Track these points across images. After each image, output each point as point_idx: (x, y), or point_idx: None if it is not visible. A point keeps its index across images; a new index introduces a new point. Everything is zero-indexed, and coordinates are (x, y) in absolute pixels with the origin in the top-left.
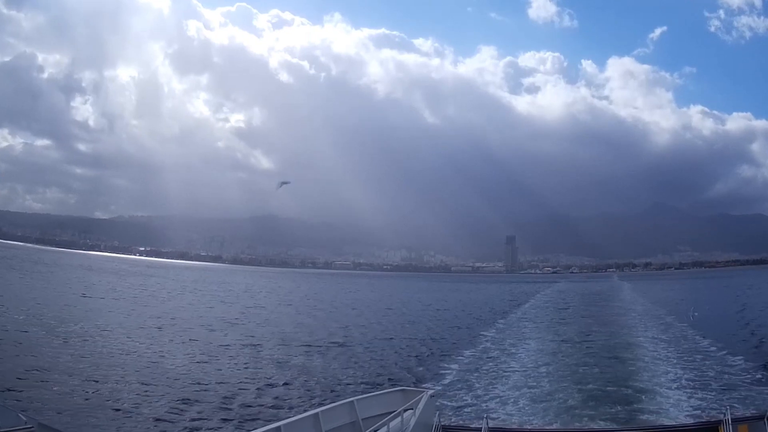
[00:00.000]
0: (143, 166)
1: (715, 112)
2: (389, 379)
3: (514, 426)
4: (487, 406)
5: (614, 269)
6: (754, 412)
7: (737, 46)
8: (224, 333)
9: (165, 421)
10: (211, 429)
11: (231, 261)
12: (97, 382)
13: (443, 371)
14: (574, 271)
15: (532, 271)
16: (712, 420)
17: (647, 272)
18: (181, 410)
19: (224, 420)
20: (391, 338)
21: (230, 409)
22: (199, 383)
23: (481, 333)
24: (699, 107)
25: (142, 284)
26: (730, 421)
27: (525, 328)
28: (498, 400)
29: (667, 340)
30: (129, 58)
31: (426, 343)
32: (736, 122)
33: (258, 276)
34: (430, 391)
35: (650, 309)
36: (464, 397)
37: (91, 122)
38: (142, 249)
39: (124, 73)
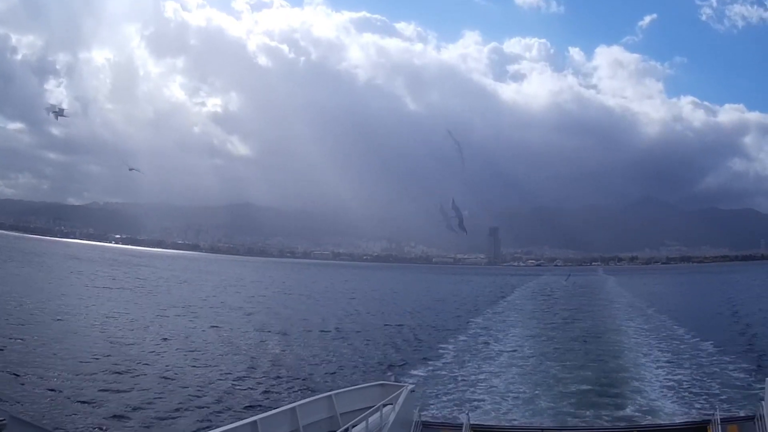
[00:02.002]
0: (117, 152)
1: (706, 103)
2: (366, 372)
3: (496, 423)
4: (468, 402)
5: (599, 263)
6: (744, 412)
7: (729, 35)
8: (222, 321)
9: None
10: (185, 423)
11: (208, 250)
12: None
13: (423, 366)
14: (559, 264)
15: (515, 264)
16: (701, 420)
17: (633, 266)
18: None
19: (199, 413)
20: (370, 330)
21: (202, 404)
22: (199, 372)
23: (462, 328)
24: (690, 98)
25: (137, 274)
26: (719, 421)
27: (507, 323)
28: (479, 396)
29: (654, 336)
30: (104, 40)
31: (406, 337)
32: (728, 114)
33: (241, 266)
34: (410, 386)
35: (636, 304)
36: (445, 393)
37: (65, 106)
38: (118, 236)
39: (99, 56)
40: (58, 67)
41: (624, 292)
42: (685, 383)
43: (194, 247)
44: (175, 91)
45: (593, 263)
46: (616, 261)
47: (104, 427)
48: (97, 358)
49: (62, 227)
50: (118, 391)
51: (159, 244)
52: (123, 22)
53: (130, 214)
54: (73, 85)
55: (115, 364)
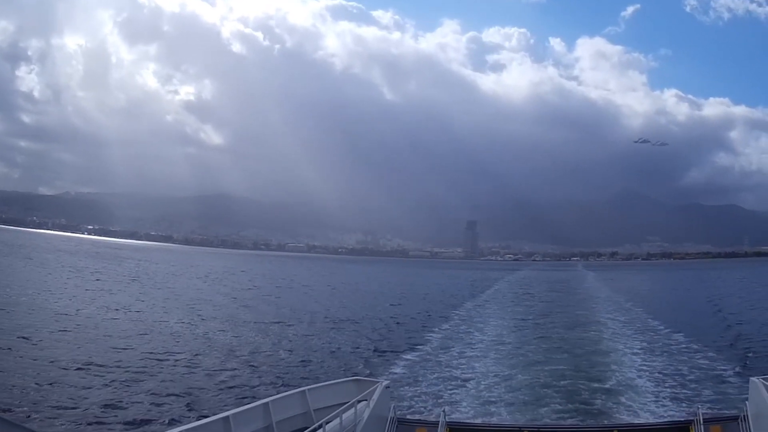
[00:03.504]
0: (89, 140)
1: (690, 96)
2: (340, 367)
3: (473, 420)
4: (444, 398)
5: (579, 258)
6: (728, 412)
7: (715, 27)
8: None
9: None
10: (156, 419)
11: (182, 241)
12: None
13: (398, 361)
14: (537, 260)
15: (493, 258)
16: (683, 419)
17: (613, 262)
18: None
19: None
20: (344, 325)
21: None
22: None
23: (438, 323)
24: (674, 91)
25: (127, 267)
26: (702, 421)
27: (484, 319)
28: (455, 392)
29: (635, 334)
30: (77, 26)
31: (381, 332)
32: (713, 108)
33: (219, 258)
34: (385, 382)
35: (616, 301)
36: (420, 389)
37: (36, 93)
38: (91, 227)
39: (72, 42)
40: (30, 53)
41: (604, 288)
42: (667, 382)
43: (167, 239)
44: (148, 78)
45: (573, 258)
46: (596, 256)
47: (79, 425)
48: (89, 357)
49: (34, 218)
50: (90, 387)
51: (132, 236)
52: (96, 7)
53: (102, 204)
54: (45, 71)
55: (87, 363)
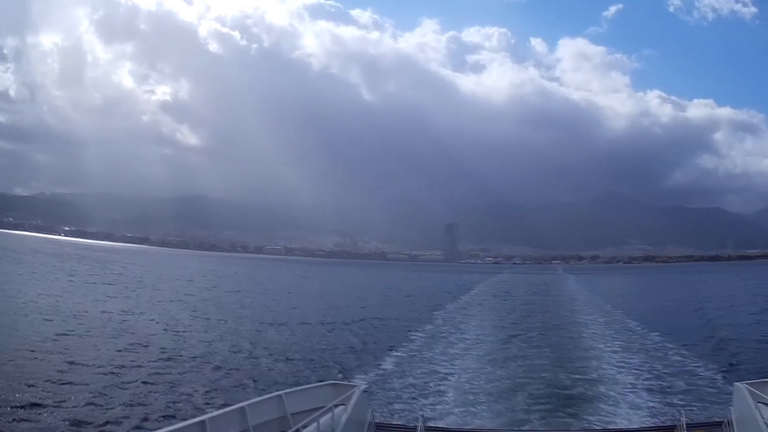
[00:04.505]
0: (65, 140)
1: (673, 97)
2: (317, 371)
3: (452, 425)
4: (423, 403)
5: (559, 261)
6: (712, 417)
7: (699, 28)
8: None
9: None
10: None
11: (159, 243)
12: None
13: (376, 365)
14: (517, 263)
15: (473, 261)
16: (666, 425)
17: (594, 265)
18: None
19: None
20: (321, 328)
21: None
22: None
23: (417, 327)
24: (657, 92)
25: (113, 270)
26: (685, 426)
27: (464, 322)
28: (435, 397)
29: (616, 337)
30: (53, 24)
31: (359, 335)
32: (698, 109)
33: (199, 260)
34: (363, 386)
35: (597, 304)
36: (399, 394)
37: (11, 92)
38: (67, 229)
39: (48, 40)
40: (5, 51)
41: (584, 291)
42: (649, 386)
43: (144, 240)
44: (124, 77)
45: (553, 261)
46: (577, 260)
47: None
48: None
49: (10, 218)
50: (56, 395)
51: (108, 237)
52: (72, 5)
53: (78, 205)
54: (21, 70)
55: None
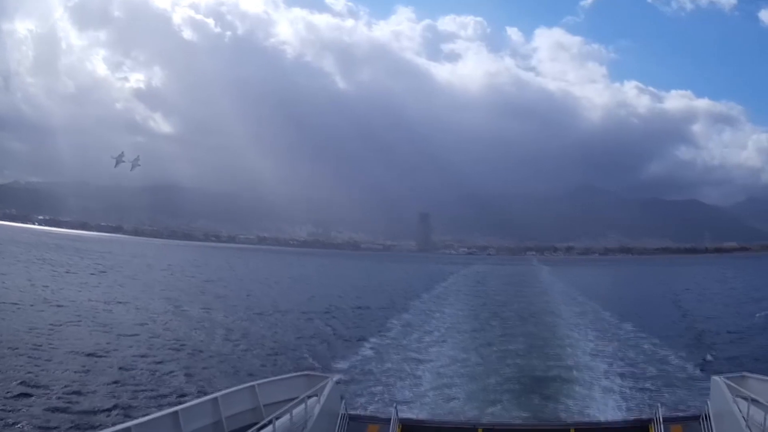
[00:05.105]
0: (39, 128)
1: (651, 88)
2: (290, 361)
3: (425, 417)
4: (395, 395)
5: (534, 252)
6: (689, 411)
7: (677, 18)
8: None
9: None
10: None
11: (132, 232)
12: None
13: (349, 356)
14: (491, 253)
15: (447, 252)
16: (643, 418)
17: (569, 257)
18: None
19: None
20: (293, 319)
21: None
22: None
23: (391, 318)
24: (634, 83)
25: (104, 261)
26: (661, 420)
27: (438, 313)
28: (407, 389)
29: (593, 330)
30: (28, 10)
31: (332, 326)
32: (675, 101)
33: (175, 250)
34: (335, 378)
35: (573, 296)
36: (371, 385)
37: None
38: (41, 218)
39: (22, 27)
40: None
41: (559, 283)
42: (626, 380)
43: (117, 230)
44: (98, 65)
45: (528, 252)
46: (552, 251)
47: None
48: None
49: None
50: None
51: (83, 226)
52: None
53: (52, 194)
54: None
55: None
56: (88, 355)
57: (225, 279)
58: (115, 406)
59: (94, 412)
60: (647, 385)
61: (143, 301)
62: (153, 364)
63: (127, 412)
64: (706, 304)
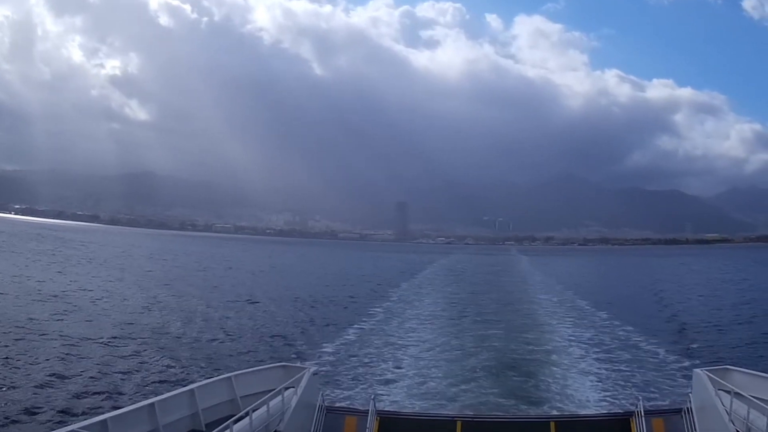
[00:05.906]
0: (14, 115)
1: (632, 77)
2: (266, 352)
3: (404, 409)
4: (374, 387)
5: (513, 242)
6: (671, 405)
7: (660, 6)
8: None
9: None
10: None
11: (108, 221)
12: None
13: (327, 347)
14: (470, 243)
15: (425, 241)
16: (624, 411)
17: (549, 247)
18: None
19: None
20: (270, 309)
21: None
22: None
23: (369, 308)
24: (615, 71)
25: (92, 252)
26: (642, 413)
27: (416, 304)
28: (387, 380)
29: (573, 322)
30: None
31: (310, 316)
32: (657, 90)
33: (152, 239)
34: (312, 368)
35: (552, 286)
36: (350, 377)
37: None
38: (17, 207)
39: None
40: None
41: (537, 273)
42: (607, 372)
43: (94, 218)
44: (74, 51)
45: (507, 242)
46: (531, 241)
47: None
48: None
49: None
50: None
51: (59, 215)
52: None
53: (27, 182)
54: None
55: None
56: (57, 350)
57: (210, 269)
58: (85, 401)
59: (65, 410)
60: (629, 377)
61: (138, 291)
62: (132, 354)
63: (99, 406)
64: (687, 296)
